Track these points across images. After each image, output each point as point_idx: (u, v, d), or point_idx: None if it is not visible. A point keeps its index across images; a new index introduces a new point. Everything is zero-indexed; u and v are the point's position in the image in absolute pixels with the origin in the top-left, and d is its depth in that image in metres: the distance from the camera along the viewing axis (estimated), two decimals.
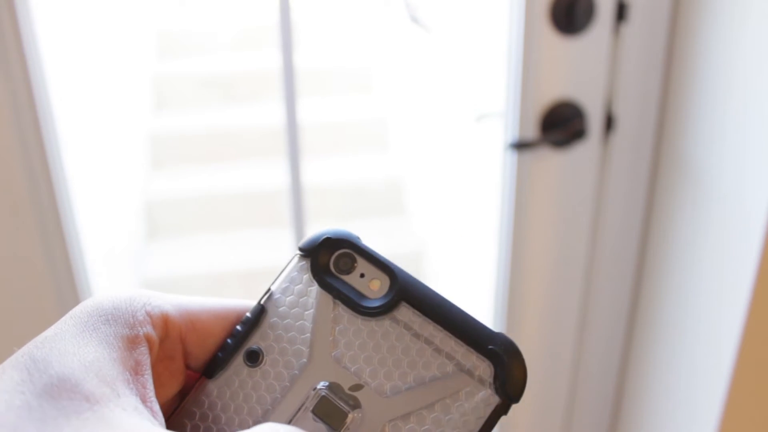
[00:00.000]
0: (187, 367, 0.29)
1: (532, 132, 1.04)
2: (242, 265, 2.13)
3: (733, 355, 0.87)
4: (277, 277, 0.30)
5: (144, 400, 0.24)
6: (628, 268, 1.14)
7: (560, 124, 1.03)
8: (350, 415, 0.28)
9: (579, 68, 1.01)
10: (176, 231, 2.37)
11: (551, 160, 1.07)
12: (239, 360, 0.29)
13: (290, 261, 0.31)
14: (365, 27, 2.88)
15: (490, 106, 1.37)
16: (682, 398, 1.01)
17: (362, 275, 0.30)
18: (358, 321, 0.29)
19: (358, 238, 0.31)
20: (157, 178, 2.45)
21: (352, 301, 0.29)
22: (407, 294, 0.29)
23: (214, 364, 0.29)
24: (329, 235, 0.30)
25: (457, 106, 1.95)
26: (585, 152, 1.07)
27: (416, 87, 2.45)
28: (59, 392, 0.22)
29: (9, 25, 0.87)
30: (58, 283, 1.00)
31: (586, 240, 1.13)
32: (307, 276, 0.30)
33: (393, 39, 2.69)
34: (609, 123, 1.05)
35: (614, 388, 1.23)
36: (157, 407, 0.25)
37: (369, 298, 0.29)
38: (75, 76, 1.69)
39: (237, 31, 2.79)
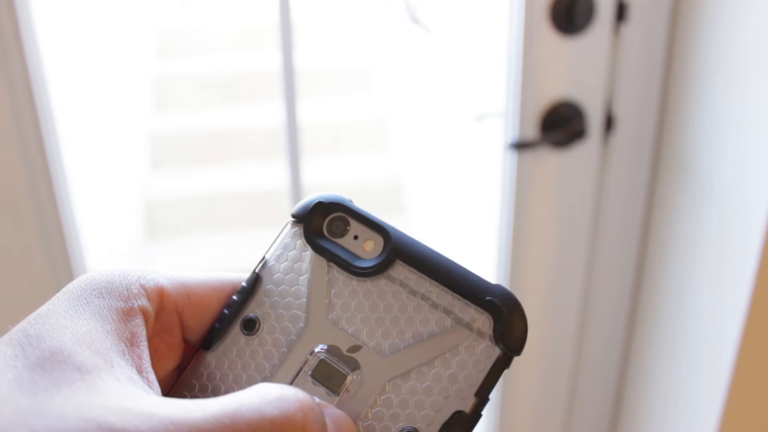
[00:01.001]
0: (185, 341, 0.29)
1: (532, 132, 1.04)
2: (242, 265, 2.13)
3: (733, 355, 0.87)
4: (271, 245, 0.30)
5: (140, 371, 0.24)
6: (628, 268, 1.14)
7: (560, 124, 1.03)
8: (349, 377, 0.27)
9: (579, 68, 1.01)
10: (176, 231, 2.37)
11: (551, 160, 1.07)
12: (236, 329, 0.29)
13: (283, 228, 0.30)
14: (365, 27, 2.88)
15: (490, 106, 1.37)
16: (682, 398, 1.01)
17: (356, 237, 0.30)
18: (354, 282, 0.29)
19: (351, 201, 0.30)
20: (157, 178, 2.45)
21: (347, 263, 0.29)
22: (401, 252, 0.29)
23: (212, 335, 0.29)
24: (321, 200, 0.30)
25: (457, 106, 1.95)
26: (585, 152, 1.07)
27: (416, 87, 2.45)
28: (51, 365, 0.22)
29: (9, 25, 0.87)
30: (58, 284, 1.00)
31: (586, 240, 1.13)
32: (300, 241, 0.30)
33: (393, 39, 2.69)
34: (609, 123, 1.05)
35: (614, 387, 1.23)
36: (153, 377, 0.25)
37: (363, 259, 0.29)
38: (75, 76, 1.68)
39: (237, 31, 2.79)
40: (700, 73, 0.94)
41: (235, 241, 2.28)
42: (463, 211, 1.92)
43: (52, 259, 0.99)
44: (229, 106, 2.62)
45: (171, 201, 2.38)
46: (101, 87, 2.05)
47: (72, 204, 1.00)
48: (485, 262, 1.29)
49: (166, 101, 2.64)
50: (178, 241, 2.33)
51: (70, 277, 1.01)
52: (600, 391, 1.24)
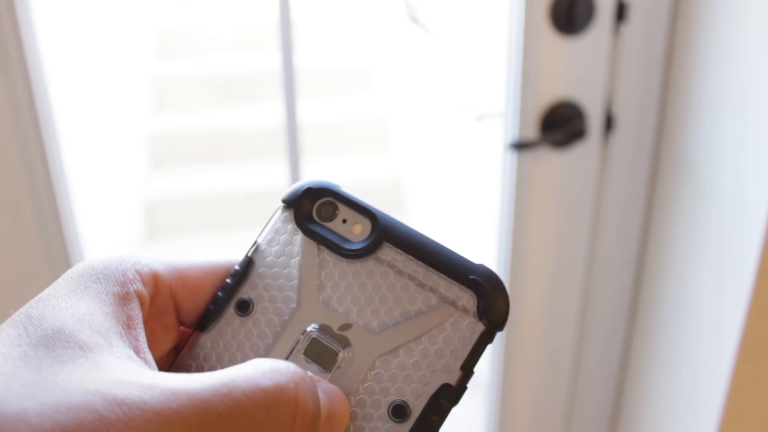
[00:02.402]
0: (181, 323, 0.30)
1: (532, 132, 1.04)
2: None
3: (733, 355, 0.87)
4: (263, 230, 0.31)
5: (137, 352, 0.25)
6: (628, 268, 1.14)
7: (560, 124, 1.03)
8: (341, 354, 0.28)
9: (579, 68, 1.01)
10: (176, 231, 2.37)
11: (551, 160, 1.07)
12: (230, 311, 0.30)
13: (274, 213, 0.31)
14: (365, 27, 2.88)
15: (490, 106, 1.37)
16: (682, 398, 1.01)
17: (344, 221, 0.31)
18: (343, 264, 0.30)
19: (339, 186, 0.32)
20: (157, 178, 2.45)
21: (336, 246, 0.30)
22: (389, 234, 0.30)
23: (207, 317, 0.30)
24: (310, 185, 0.31)
25: (457, 106, 1.95)
26: (585, 152, 1.07)
27: (416, 87, 2.45)
28: (54, 343, 0.23)
29: (9, 25, 0.87)
30: None
31: (586, 240, 1.13)
32: (291, 226, 0.31)
33: (393, 39, 2.69)
34: (609, 123, 1.05)
35: (614, 388, 1.23)
36: (150, 357, 0.26)
37: (352, 242, 0.30)
38: (75, 76, 1.69)
39: (237, 31, 2.79)
40: (699, 73, 0.94)
41: (235, 241, 2.28)
42: (463, 211, 1.93)
43: (52, 259, 0.99)
44: (229, 106, 2.62)
45: (171, 201, 2.38)
46: (101, 87, 2.05)
47: (72, 204, 1.00)
48: (485, 262, 1.29)
49: (166, 101, 2.65)
50: (178, 241, 2.33)
51: None
52: (600, 391, 1.24)
